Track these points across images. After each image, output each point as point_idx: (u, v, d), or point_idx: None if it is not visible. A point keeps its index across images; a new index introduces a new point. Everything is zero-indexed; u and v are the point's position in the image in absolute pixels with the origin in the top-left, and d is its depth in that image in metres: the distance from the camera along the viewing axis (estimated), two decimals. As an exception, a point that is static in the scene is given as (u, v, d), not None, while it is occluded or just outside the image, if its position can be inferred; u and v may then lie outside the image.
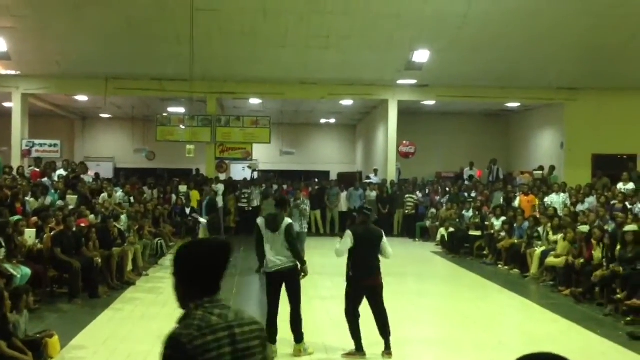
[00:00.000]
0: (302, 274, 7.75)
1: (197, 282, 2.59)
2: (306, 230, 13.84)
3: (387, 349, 7.59)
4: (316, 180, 23.91)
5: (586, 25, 15.89)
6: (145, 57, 18.64)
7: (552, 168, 21.06)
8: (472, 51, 17.43)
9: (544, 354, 1.73)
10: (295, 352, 7.64)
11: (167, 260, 15.20)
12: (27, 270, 9.48)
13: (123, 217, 14.05)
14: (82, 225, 11.90)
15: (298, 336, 7.65)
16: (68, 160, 20.93)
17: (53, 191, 15.17)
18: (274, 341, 7.57)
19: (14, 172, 16.73)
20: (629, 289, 9.81)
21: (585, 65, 18.79)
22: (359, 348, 7.60)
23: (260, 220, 7.89)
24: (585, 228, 12.32)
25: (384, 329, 7.61)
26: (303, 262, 7.77)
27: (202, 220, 15.84)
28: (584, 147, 21.29)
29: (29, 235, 10.67)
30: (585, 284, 11.13)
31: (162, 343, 2.44)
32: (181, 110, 24.43)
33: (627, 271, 10.16)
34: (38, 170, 17.99)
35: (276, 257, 7.59)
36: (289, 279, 7.62)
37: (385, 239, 7.80)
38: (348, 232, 7.68)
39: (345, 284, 7.69)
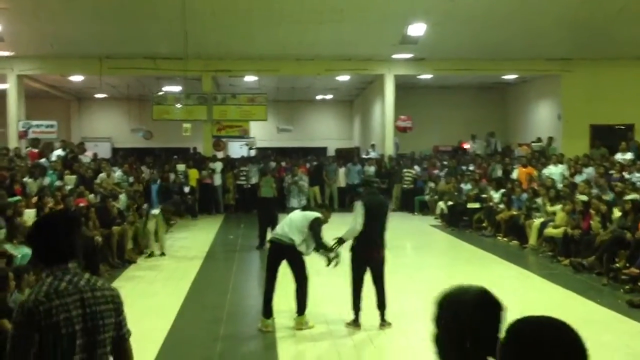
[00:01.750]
0: (334, 261, 7.65)
1: (45, 252, 2.79)
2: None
3: (383, 321, 7.71)
4: (309, 157, 23.86)
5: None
6: (139, 36, 18.51)
7: (551, 139, 21.06)
8: (468, 24, 17.32)
9: (541, 317, 1.73)
10: (297, 325, 7.69)
11: (168, 238, 15.23)
12: (27, 250, 9.47)
13: (122, 197, 14.05)
14: (82, 204, 11.91)
15: (300, 309, 7.69)
16: (65, 141, 20.87)
17: (51, 171, 15.16)
18: (268, 315, 7.62)
19: (11, 154, 16.69)
20: (628, 257, 9.87)
21: (580, 36, 18.69)
22: (356, 320, 7.72)
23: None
24: (583, 198, 12.36)
25: (379, 302, 7.71)
26: (330, 249, 7.65)
27: (154, 211, 13.48)
28: (581, 118, 21.27)
29: (29, 215, 10.67)
30: (584, 253, 11.18)
31: (14, 310, 2.65)
32: (177, 88, 24.31)
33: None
34: (36, 151, 17.95)
35: (281, 229, 7.66)
36: (289, 257, 7.63)
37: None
38: (359, 203, 7.72)
39: (350, 254, 7.76)
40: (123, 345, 2.90)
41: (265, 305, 7.67)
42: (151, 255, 12.71)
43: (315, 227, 7.58)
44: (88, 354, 2.69)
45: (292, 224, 7.62)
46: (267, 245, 7.95)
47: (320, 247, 7.66)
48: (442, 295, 2.11)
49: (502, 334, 1.72)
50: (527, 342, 1.64)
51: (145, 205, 14.28)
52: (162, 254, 12.75)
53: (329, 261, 7.64)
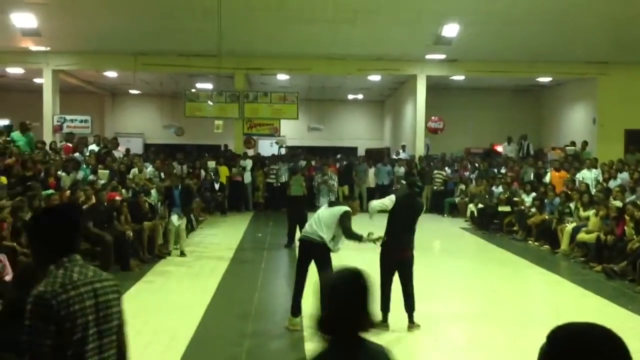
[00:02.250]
0: (377, 241, 7.65)
1: (54, 245, 2.82)
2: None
3: (411, 322, 7.67)
4: (338, 156, 23.82)
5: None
6: (173, 33, 18.64)
7: (585, 143, 20.73)
8: (502, 25, 17.13)
9: (584, 323, 1.69)
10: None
11: (197, 235, 15.35)
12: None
13: (153, 192, 14.18)
14: (116, 198, 12.07)
15: None
16: (99, 136, 21.16)
17: (85, 166, 15.37)
18: (296, 314, 7.63)
19: (47, 147, 16.95)
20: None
21: (617, 39, 18.36)
22: (384, 319, 7.68)
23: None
24: (618, 204, 12.15)
25: (408, 303, 7.66)
26: (360, 238, 7.62)
27: (174, 218, 12.57)
28: (617, 122, 20.91)
29: (62, 209, 10.81)
30: (618, 259, 11.00)
31: (28, 302, 2.63)
32: (209, 86, 24.49)
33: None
34: (70, 145, 18.21)
35: (310, 227, 7.65)
36: (318, 255, 7.58)
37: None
38: (391, 196, 7.80)
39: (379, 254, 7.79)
40: (123, 333, 2.97)
41: (293, 303, 7.67)
42: (169, 254, 12.63)
43: (345, 221, 7.53)
44: (99, 343, 2.77)
45: (320, 221, 7.60)
46: (297, 243, 7.94)
47: (354, 239, 7.62)
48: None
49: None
50: (572, 348, 1.60)
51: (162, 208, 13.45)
52: (182, 254, 12.62)
53: (373, 242, 7.64)
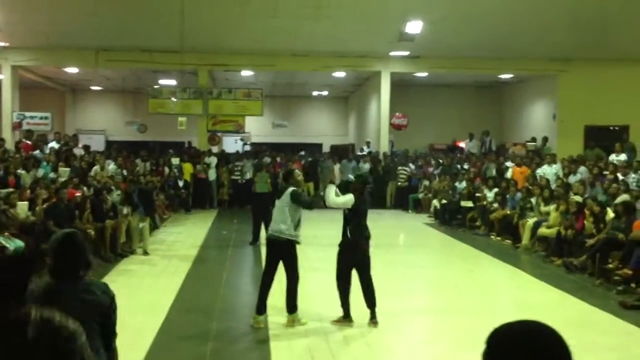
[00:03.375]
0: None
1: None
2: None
3: (373, 318, 7.69)
4: (302, 152, 23.77)
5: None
6: (135, 28, 18.44)
7: (545, 139, 21.08)
8: (465, 22, 17.32)
9: (518, 322, 1.69)
10: (289, 323, 7.68)
11: (160, 233, 15.21)
12: (20, 243, 9.46)
13: (115, 190, 13.99)
14: (77, 194, 11.89)
15: (291, 307, 7.69)
16: (60, 133, 20.81)
17: (45, 163, 15.10)
18: (261, 312, 7.64)
19: (7, 145, 16.62)
20: (621, 258, 9.90)
21: (578, 36, 18.70)
22: (347, 315, 7.73)
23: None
24: (577, 199, 12.38)
25: (369, 299, 7.69)
26: (310, 205, 7.78)
27: (137, 223, 12.46)
28: (577, 118, 21.30)
29: (22, 208, 10.63)
30: (577, 254, 11.20)
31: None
32: (172, 82, 24.25)
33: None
34: (29, 142, 17.87)
35: (275, 224, 7.63)
36: (284, 253, 7.61)
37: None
38: (349, 195, 7.75)
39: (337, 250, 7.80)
40: None
41: (259, 301, 7.66)
42: (132, 253, 12.45)
43: (298, 198, 7.60)
44: None
45: (277, 215, 7.64)
46: (264, 241, 7.92)
47: (311, 206, 7.78)
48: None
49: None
50: (510, 349, 1.61)
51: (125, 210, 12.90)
52: (146, 253, 12.46)
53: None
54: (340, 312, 7.79)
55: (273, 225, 7.68)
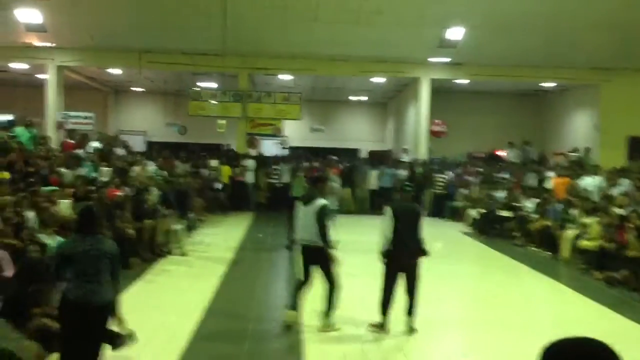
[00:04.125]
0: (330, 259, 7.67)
1: None
2: (336, 208, 13.83)
3: (411, 327, 7.66)
4: (334, 157, 23.55)
5: (622, 1, 15.52)
6: (177, 31, 18.66)
7: (588, 150, 20.71)
8: (507, 29, 17.13)
9: (579, 338, 1.66)
10: (323, 327, 7.67)
11: (198, 234, 15.34)
12: (61, 239, 9.61)
13: (155, 191, 14.16)
14: (118, 194, 12.06)
15: (327, 310, 7.68)
16: (102, 133, 21.14)
17: (87, 163, 15.36)
18: (294, 307, 7.68)
19: (51, 144, 16.93)
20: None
21: (621, 45, 18.34)
22: (382, 323, 7.70)
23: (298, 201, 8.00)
24: (620, 211, 12.13)
25: (410, 309, 7.63)
26: (330, 246, 7.60)
27: (174, 225, 12.76)
28: (619, 129, 20.86)
29: (64, 205, 10.82)
30: (619, 267, 10.97)
31: None
32: (213, 85, 24.49)
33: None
34: (72, 142, 18.19)
35: (303, 231, 7.65)
36: (319, 258, 7.62)
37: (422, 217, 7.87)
38: (387, 209, 7.73)
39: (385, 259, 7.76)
40: None
41: (293, 297, 7.70)
42: (170, 254, 12.57)
43: (322, 217, 7.53)
44: None
45: (306, 226, 7.61)
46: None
47: (324, 238, 7.55)
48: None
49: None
50: None
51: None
52: (183, 254, 12.57)
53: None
54: (376, 318, 7.77)
55: (303, 234, 7.66)
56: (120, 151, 18.67)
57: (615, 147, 20.73)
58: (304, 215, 7.68)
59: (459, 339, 8.07)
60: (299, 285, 7.73)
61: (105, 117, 29.59)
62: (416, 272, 7.66)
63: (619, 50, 18.87)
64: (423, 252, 7.71)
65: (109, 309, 5.32)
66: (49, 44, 20.27)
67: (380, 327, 7.67)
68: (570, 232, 13.38)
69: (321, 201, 7.70)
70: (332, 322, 7.72)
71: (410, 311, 7.65)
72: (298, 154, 24.25)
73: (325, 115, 30.58)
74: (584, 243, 12.55)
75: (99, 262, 5.22)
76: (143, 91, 30.04)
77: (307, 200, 7.74)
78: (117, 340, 5.72)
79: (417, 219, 7.76)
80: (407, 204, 7.96)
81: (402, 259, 7.62)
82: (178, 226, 12.66)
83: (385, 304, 7.66)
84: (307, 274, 7.71)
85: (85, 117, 21.35)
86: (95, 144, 18.29)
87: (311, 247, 7.58)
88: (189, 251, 12.76)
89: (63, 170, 13.86)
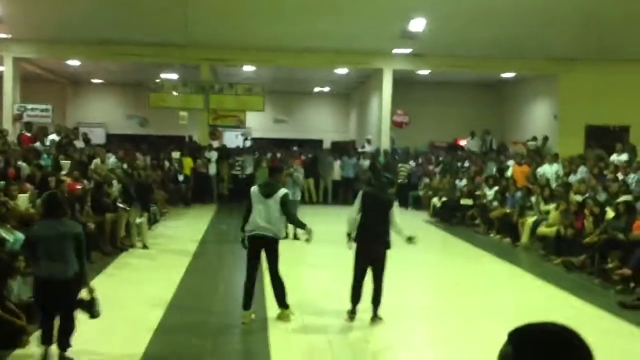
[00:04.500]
0: (307, 238, 7.70)
1: None
2: (299, 199, 13.82)
3: (375, 316, 7.72)
4: (294, 148, 23.59)
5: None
6: (138, 22, 18.39)
7: (546, 138, 21.07)
8: (468, 21, 17.26)
9: (545, 323, 1.68)
10: (283, 317, 7.67)
11: (160, 227, 15.21)
12: (21, 235, 9.43)
13: (115, 184, 13.97)
14: (77, 187, 11.87)
15: (281, 302, 7.69)
16: (60, 125, 20.79)
17: (46, 156, 15.09)
18: (248, 307, 7.63)
19: (9, 137, 16.60)
20: (620, 258, 9.91)
21: (582, 36, 18.63)
22: (353, 310, 7.77)
23: (254, 188, 7.81)
24: (578, 198, 12.38)
25: (375, 297, 7.70)
26: (303, 226, 7.75)
27: (135, 218, 12.50)
28: (578, 118, 21.29)
29: (22, 200, 10.63)
30: (577, 253, 11.21)
31: None
32: (174, 76, 24.23)
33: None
34: (29, 135, 17.86)
35: (262, 222, 7.54)
36: (268, 248, 7.63)
37: (394, 207, 7.89)
38: (358, 194, 7.82)
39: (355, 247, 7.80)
40: None
41: (244, 296, 7.64)
42: (132, 247, 12.39)
43: (286, 205, 7.65)
44: None
45: (270, 215, 7.55)
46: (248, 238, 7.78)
47: (299, 226, 7.86)
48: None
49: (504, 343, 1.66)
50: (540, 350, 1.59)
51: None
52: (145, 247, 12.46)
53: (308, 236, 7.71)
54: (341, 309, 7.81)
55: (261, 223, 7.54)
56: (79, 144, 18.38)
57: (574, 136, 21.14)
58: (267, 207, 7.56)
59: (424, 327, 8.16)
60: (249, 284, 7.64)
61: (64, 109, 29.07)
62: (383, 262, 7.70)
63: (577, 41, 19.18)
64: (387, 244, 7.71)
65: (75, 282, 6.04)
66: (4, 36, 19.82)
67: (350, 315, 7.75)
68: (529, 219, 13.62)
69: (282, 190, 7.72)
70: (290, 311, 7.72)
71: (375, 300, 7.70)
72: (261, 145, 24.18)
73: (289, 106, 30.54)
74: (543, 229, 12.79)
75: (64, 242, 5.95)
76: (102, 83, 29.60)
77: (269, 192, 7.66)
78: (90, 308, 6.25)
79: (387, 209, 7.75)
80: (380, 193, 7.99)
81: (370, 249, 7.64)
82: (140, 219, 12.52)
83: (355, 292, 7.71)
84: (254, 269, 7.70)
85: (43, 110, 20.97)
86: (54, 137, 17.99)
87: (267, 237, 7.55)
88: (151, 244, 12.64)
89: (21, 163, 13.60)
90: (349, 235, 7.78)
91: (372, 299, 7.70)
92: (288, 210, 7.74)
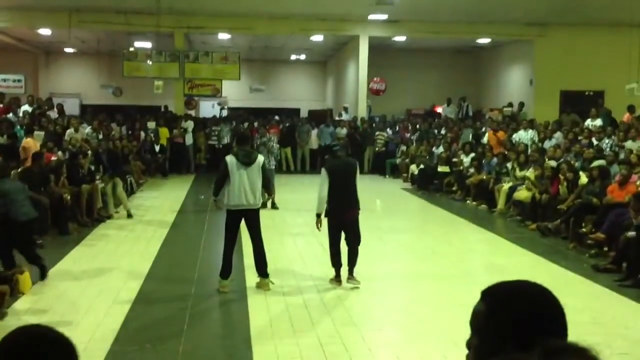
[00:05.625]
0: (270, 201, 7.89)
1: None
2: (274, 168, 13.74)
3: (351, 275, 7.82)
4: (276, 117, 23.47)
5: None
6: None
7: (521, 104, 21.17)
8: (444, -14, 17.21)
9: (518, 281, 1.71)
10: (262, 286, 7.72)
11: (137, 198, 15.13)
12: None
13: (91, 154, 13.82)
14: (52, 159, 11.75)
15: (262, 270, 7.74)
16: (33, 96, 20.45)
17: (19, 127, 14.86)
18: (227, 276, 7.69)
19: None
20: (594, 222, 10.05)
21: (557, 1, 18.66)
22: (337, 276, 7.86)
23: (230, 158, 7.73)
24: (552, 163, 12.51)
25: (350, 259, 7.81)
26: (271, 193, 8.10)
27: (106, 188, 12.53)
28: (553, 84, 21.38)
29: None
30: (552, 218, 11.36)
31: None
32: (148, 45, 23.85)
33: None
34: (1, 105, 17.54)
35: (248, 193, 7.55)
36: (252, 218, 7.70)
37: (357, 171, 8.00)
38: (323, 169, 7.85)
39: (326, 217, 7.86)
40: None
41: (224, 265, 7.67)
42: (109, 218, 12.35)
43: (265, 171, 7.81)
44: None
45: (253, 183, 7.59)
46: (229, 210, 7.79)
47: (270, 188, 8.34)
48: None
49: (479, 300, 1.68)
50: (513, 305, 1.62)
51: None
52: (129, 214, 12.49)
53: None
54: (321, 276, 7.89)
55: (238, 197, 7.55)
56: (53, 114, 18.11)
57: (549, 102, 21.26)
58: (249, 175, 7.57)
59: (400, 292, 8.25)
60: (228, 254, 7.68)
61: (36, 79, 28.52)
62: (356, 226, 7.79)
63: (553, 6, 19.16)
64: (357, 206, 7.84)
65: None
66: (-28, 4, 19.35)
67: (336, 280, 7.85)
68: (505, 186, 13.75)
69: (260, 157, 7.83)
70: (269, 279, 7.77)
71: (351, 261, 7.79)
72: (238, 114, 24.01)
73: (265, 75, 30.27)
74: (519, 195, 12.93)
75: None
76: (75, 52, 29.05)
77: (249, 161, 7.64)
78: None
79: (352, 173, 7.86)
80: (341, 160, 8.04)
81: (342, 214, 7.75)
82: (118, 188, 12.44)
83: (334, 258, 7.81)
84: (234, 238, 7.76)
85: (15, 80, 20.60)
86: (26, 108, 17.71)
87: (251, 210, 7.60)
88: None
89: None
90: (318, 215, 7.83)
91: (347, 260, 7.80)
92: (267, 175, 7.88)
